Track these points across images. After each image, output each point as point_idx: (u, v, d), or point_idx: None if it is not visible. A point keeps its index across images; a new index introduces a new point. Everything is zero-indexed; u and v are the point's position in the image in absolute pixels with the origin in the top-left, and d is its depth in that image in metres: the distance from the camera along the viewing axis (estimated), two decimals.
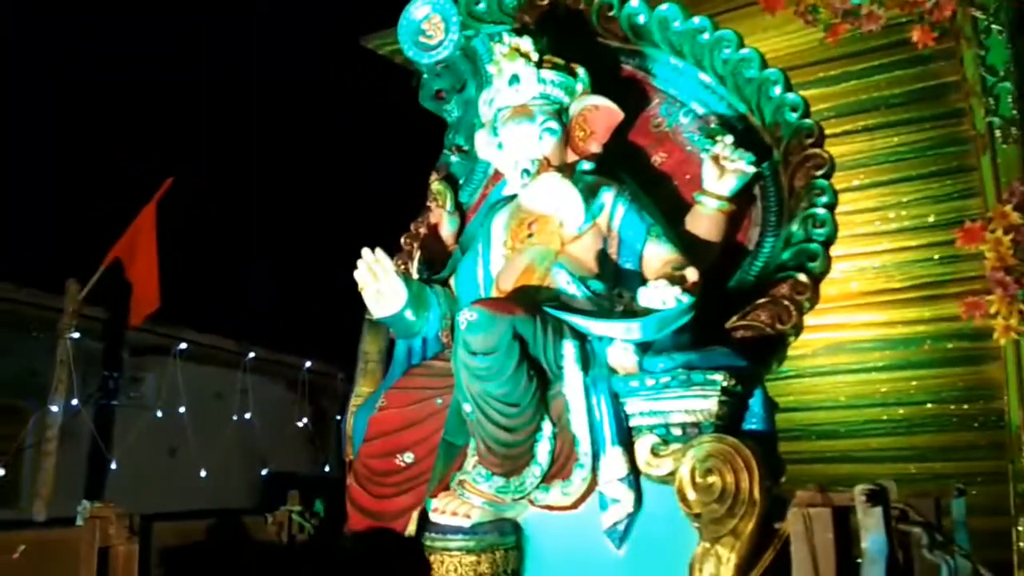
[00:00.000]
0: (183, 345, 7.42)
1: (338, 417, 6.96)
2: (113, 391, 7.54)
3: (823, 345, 3.69)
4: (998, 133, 3.46)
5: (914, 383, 3.62)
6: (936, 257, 3.66)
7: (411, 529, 2.83)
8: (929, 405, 3.54)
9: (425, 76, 3.94)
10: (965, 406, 3.47)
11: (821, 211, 3.15)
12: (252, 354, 7.30)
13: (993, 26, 3.48)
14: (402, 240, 3.88)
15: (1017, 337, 3.22)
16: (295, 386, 6.93)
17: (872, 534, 1.83)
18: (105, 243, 6.40)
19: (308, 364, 7.08)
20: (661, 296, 2.61)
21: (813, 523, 1.88)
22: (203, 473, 7.00)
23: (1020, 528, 3.18)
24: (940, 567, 2.25)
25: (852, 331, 3.73)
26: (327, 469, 6.97)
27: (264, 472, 6.86)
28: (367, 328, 3.54)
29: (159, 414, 7.26)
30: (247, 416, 6.92)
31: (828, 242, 3.15)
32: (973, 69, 3.53)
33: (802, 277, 3.10)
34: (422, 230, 3.81)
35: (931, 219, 3.68)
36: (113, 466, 6.81)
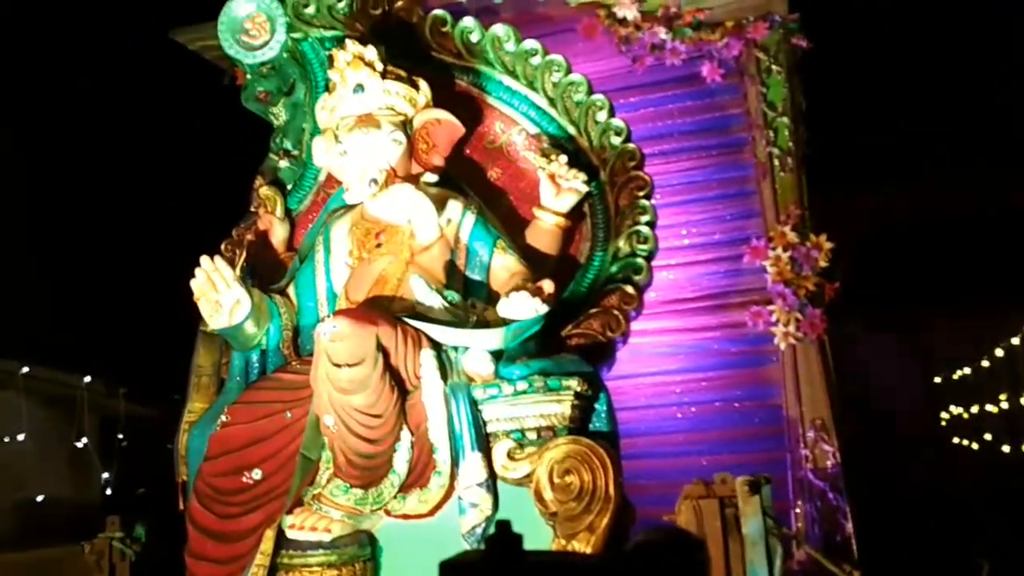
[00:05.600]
0: None
1: (120, 436, 6.40)
2: None
3: (625, 351, 3.87)
4: (776, 162, 3.90)
5: (703, 384, 3.86)
6: (722, 271, 3.94)
7: (265, 547, 2.73)
8: (717, 403, 3.82)
9: (249, 77, 3.78)
10: (747, 403, 3.79)
11: (644, 228, 3.47)
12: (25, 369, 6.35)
13: (773, 67, 3.94)
14: (222, 246, 3.71)
15: (794, 342, 3.67)
16: (62, 403, 6.22)
17: (751, 520, 2.06)
18: None
19: (87, 379, 6.40)
20: (524, 307, 2.74)
21: (703, 513, 2.07)
22: None
23: (797, 510, 3.60)
24: (775, 548, 2.57)
25: (650, 337, 3.93)
26: (108, 492, 6.34)
27: (40, 499, 6.08)
28: (201, 340, 3.33)
29: None
30: (19, 438, 6.08)
31: (650, 256, 3.48)
32: (756, 104, 3.94)
33: (629, 289, 3.42)
34: (248, 236, 3.66)
35: (716, 237, 3.96)
36: None
